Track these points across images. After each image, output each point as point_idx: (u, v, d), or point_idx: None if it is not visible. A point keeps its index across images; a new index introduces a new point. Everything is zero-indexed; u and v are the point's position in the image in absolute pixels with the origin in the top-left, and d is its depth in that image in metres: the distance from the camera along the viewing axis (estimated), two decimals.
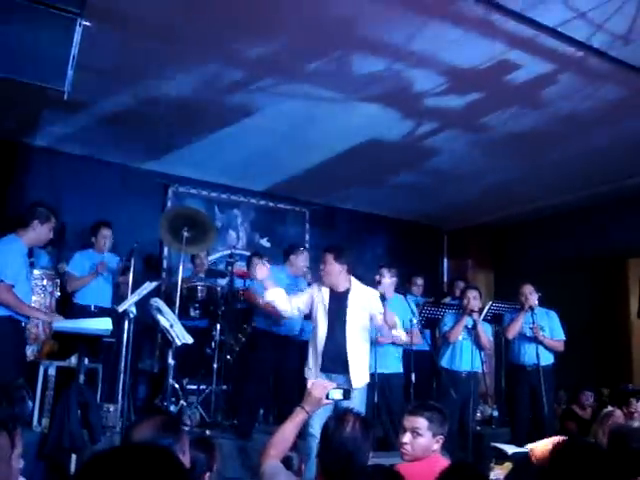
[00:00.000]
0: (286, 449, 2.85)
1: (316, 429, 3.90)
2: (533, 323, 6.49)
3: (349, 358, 4.96)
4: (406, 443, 3.15)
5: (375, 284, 5.29)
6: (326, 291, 5.14)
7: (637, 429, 3.42)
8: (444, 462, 3.08)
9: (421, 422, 3.18)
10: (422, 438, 3.16)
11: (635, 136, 6.58)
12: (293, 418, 2.91)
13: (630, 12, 4.53)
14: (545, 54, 5.17)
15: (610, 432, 3.77)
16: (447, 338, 6.46)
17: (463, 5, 4.53)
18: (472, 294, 6.44)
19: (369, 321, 5.14)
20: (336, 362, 4.98)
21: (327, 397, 2.92)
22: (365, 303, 5.11)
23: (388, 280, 5.29)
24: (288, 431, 2.86)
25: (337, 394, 2.97)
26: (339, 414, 2.60)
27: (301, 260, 6.37)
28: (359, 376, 4.97)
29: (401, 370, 6.16)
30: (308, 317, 5.50)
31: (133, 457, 1.37)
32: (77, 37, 2.94)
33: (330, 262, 5.08)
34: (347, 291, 5.13)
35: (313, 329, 5.21)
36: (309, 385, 2.99)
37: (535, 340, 6.50)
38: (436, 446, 3.21)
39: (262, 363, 6.24)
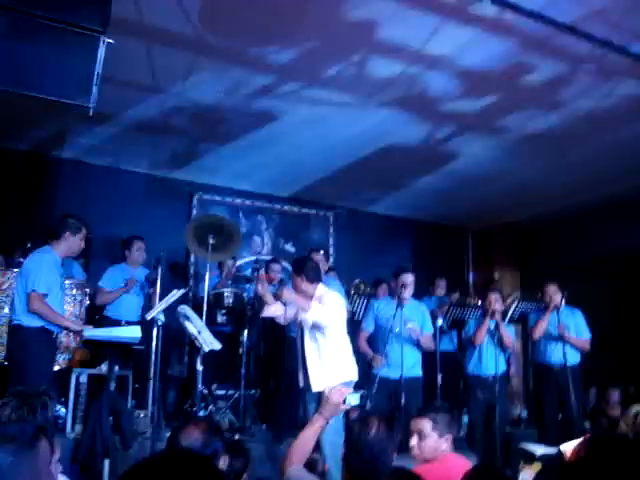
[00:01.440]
0: (306, 455, 2.89)
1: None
2: (559, 322, 6.48)
3: (307, 365, 5.07)
4: (413, 446, 3.21)
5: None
6: None
7: None
8: (460, 461, 3.13)
9: (424, 424, 3.24)
10: (428, 439, 3.22)
11: None
12: (312, 424, 2.95)
13: None
14: (562, 53, 5.17)
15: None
16: (472, 342, 6.46)
17: (479, 6, 4.54)
18: (494, 296, 6.45)
19: (326, 326, 5.09)
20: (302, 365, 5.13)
21: (344, 402, 2.97)
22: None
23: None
24: (308, 437, 2.91)
25: (354, 399, 3.01)
26: (363, 416, 2.64)
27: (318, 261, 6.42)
28: (317, 381, 4.99)
29: (420, 374, 6.12)
30: None
31: (177, 465, 1.41)
32: (101, 55, 3.02)
33: (293, 277, 5.24)
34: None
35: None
36: (327, 391, 3.04)
37: (561, 339, 6.49)
38: (445, 446, 3.24)
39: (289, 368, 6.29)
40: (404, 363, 5.78)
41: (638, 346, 9.23)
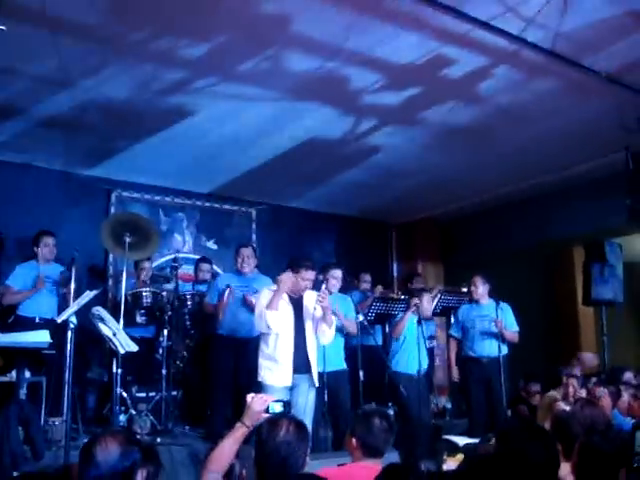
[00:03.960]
0: (227, 464, 2.78)
1: None
2: (497, 317, 6.58)
3: (311, 361, 5.13)
4: None
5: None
6: (286, 296, 5.13)
7: (576, 414, 3.53)
8: (369, 465, 3.04)
9: None
10: None
11: (572, 126, 6.69)
12: (233, 433, 2.85)
13: (559, 6, 4.60)
14: (479, 48, 5.22)
15: (553, 417, 3.89)
16: (392, 335, 6.55)
17: (394, 0, 4.53)
18: (425, 297, 6.69)
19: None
20: (302, 364, 5.09)
21: (267, 410, 2.89)
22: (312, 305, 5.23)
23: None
24: (228, 446, 2.80)
25: (277, 407, 2.94)
26: (272, 419, 2.57)
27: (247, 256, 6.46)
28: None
29: (345, 367, 6.17)
30: None
31: None
32: None
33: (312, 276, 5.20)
34: (301, 295, 5.22)
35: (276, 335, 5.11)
36: (248, 399, 2.94)
37: (490, 332, 6.61)
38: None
39: (223, 367, 6.26)
40: (326, 356, 5.77)
41: (559, 335, 9.51)
